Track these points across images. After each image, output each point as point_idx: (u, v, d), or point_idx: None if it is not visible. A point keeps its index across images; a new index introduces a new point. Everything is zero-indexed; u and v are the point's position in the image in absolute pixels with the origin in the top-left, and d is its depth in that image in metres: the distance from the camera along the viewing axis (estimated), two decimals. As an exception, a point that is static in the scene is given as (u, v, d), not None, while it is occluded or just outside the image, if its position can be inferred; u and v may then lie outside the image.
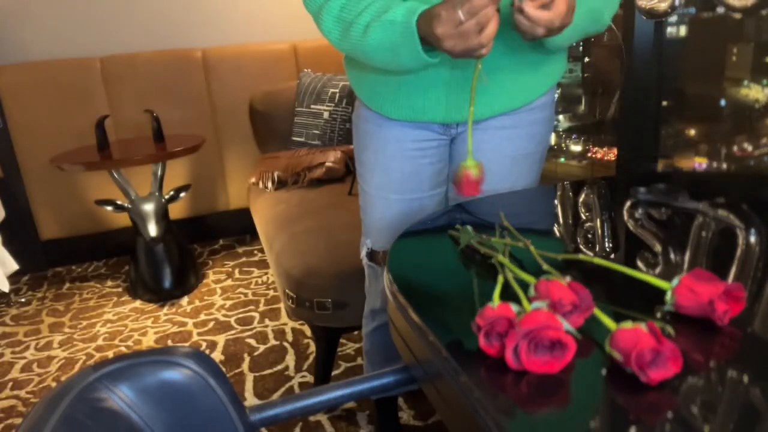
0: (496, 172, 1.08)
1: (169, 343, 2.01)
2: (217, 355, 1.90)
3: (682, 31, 1.75)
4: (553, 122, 1.13)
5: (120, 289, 2.46)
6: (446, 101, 0.99)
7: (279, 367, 1.80)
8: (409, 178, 1.10)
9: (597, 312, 0.53)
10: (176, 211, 2.76)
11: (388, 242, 1.15)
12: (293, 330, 2.02)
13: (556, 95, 2.43)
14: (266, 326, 2.06)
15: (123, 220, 2.65)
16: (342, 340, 1.85)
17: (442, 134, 1.08)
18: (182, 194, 2.37)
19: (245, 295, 2.32)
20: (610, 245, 0.76)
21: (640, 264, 0.68)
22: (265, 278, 2.45)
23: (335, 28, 0.91)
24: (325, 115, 2.45)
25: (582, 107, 2.39)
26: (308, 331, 1.98)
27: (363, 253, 1.22)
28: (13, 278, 2.51)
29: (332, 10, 0.90)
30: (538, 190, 1.11)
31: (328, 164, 2.22)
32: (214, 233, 2.96)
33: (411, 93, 1.00)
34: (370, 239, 1.19)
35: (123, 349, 2.00)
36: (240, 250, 2.80)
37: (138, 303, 2.33)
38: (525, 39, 0.82)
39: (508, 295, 0.57)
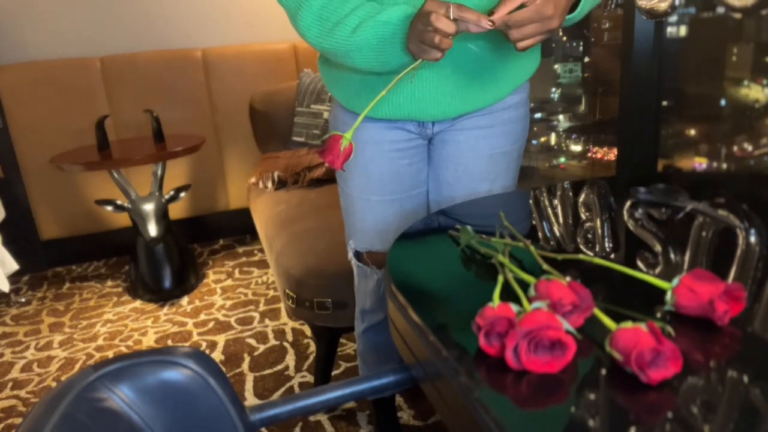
0: (475, 171, 1.09)
1: (169, 343, 2.01)
2: (217, 355, 1.90)
3: (682, 31, 1.75)
4: (528, 121, 1.14)
5: (120, 289, 2.46)
6: (421, 97, 1.00)
7: (279, 367, 1.80)
8: (389, 179, 1.10)
9: (597, 312, 0.53)
10: (176, 211, 2.76)
11: (371, 243, 1.16)
12: (293, 330, 2.02)
13: (556, 95, 2.43)
14: (266, 326, 2.06)
15: (123, 220, 2.66)
16: (342, 340, 1.85)
17: (419, 134, 1.09)
18: (182, 194, 2.37)
19: (245, 295, 2.32)
20: (610, 245, 0.76)
21: (640, 264, 0.68)
22: (265, 278, 2.45)
23: (314, 25, 0.92)
24: (325, 115, 2.45)
25: (582, 107, 2.39)
26: (308, 331, 1.98)
27: (350, 254, 1.23)
28: (13, 278, 2.51)
29: (312, 7, 0.90)
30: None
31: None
32: (214, 233, 2.96)
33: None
34: (354, 240, 1.19)
35: (123, 349, 2.00)
36: (240, 250, 2.80)
37: (138, 303, 2.33)
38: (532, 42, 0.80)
39: (508, 295, 0.57)
